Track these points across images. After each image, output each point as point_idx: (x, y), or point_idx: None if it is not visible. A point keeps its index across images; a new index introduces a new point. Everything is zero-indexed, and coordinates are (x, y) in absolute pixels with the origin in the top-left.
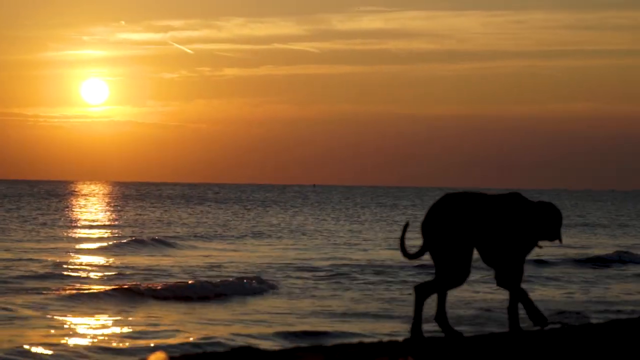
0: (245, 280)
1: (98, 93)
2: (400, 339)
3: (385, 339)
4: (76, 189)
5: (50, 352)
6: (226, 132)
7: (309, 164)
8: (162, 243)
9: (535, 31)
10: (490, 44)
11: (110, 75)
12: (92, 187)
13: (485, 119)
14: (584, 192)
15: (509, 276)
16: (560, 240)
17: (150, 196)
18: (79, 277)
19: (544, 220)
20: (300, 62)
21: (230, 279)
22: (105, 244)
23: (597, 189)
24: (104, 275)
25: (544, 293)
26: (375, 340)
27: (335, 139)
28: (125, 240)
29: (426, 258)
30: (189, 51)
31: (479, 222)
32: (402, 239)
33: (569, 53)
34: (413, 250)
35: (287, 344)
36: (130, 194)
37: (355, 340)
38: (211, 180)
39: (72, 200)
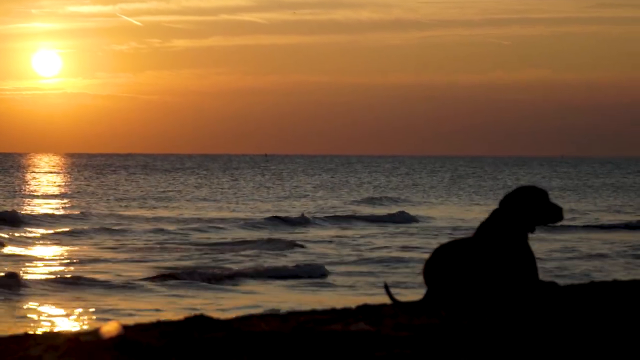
0: None
1: (49, 65)
2: (353, 306)
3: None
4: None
5: None
6: (178, 103)
7: (259, 134)
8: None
9: (481, 0)
10: (436, 13)
11: (60, 47)
12: (50, 158)
13: (433, 88)
14: (532, 159)
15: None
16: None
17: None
18: None
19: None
20: (248, 32)
21: None
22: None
23: (545, 155)
24: None
25: None
26: (328, 307)
27: (286, 109)
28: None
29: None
30: (137, 23)
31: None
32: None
33: (515, 21)
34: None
35: None
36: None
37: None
38: (166, 151)
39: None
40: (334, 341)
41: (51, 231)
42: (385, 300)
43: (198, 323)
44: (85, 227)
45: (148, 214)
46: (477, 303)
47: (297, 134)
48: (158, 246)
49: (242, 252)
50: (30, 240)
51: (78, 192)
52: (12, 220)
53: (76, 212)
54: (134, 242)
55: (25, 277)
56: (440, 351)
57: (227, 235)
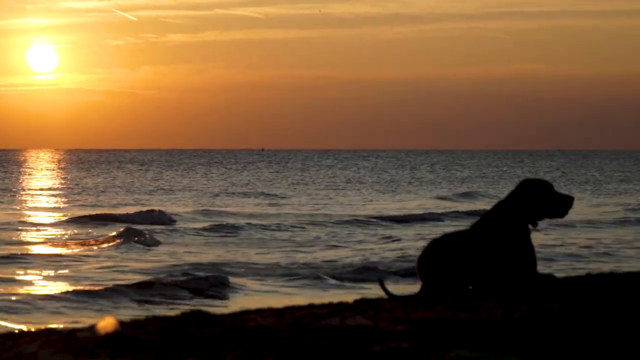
0: None
1: (44, 61)
2: (351, 300)
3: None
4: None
5: None
6: (174, 99)
7: (256, 128)
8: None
9: None
10: (434, 6)
11: (56, 43)
12: (48, 155)
13: (430, 82)
14: (529, 153)
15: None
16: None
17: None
18: None
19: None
20: (244, 27)
21: None
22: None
23: (542, 148)
24: None
25: None
26: (325, 302)
27: (282, 104)
28: None
29: None
30: (132, 18)
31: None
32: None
33: (512, 14)
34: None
35: None
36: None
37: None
38: (164, 147)
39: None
40: (330, 335)
41: (203, 226)
42: (382, 294)
43: (195, 318)
44: (230, 221)
45: (268, 210)
46: (475, 295)
47: (295, 129)
48: (307, 242)
49: (386, 249)
50: (197, 238)
51: (170, 188)
52: (162, 219)
53: (202, 208)
54: (279, 237)
55: (233, 276)
56: (439, 345)
57: (352, 231)
